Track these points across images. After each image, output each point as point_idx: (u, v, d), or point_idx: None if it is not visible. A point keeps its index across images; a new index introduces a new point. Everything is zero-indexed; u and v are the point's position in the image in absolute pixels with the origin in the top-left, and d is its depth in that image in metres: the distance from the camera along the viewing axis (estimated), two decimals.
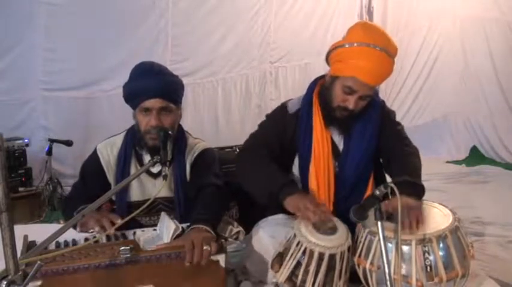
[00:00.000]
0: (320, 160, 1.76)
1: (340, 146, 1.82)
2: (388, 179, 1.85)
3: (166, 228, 1.48)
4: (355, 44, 1.65)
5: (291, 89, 5.13)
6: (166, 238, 1.45)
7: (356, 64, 1.64)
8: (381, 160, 1.89)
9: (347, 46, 1.68)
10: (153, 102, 1.70)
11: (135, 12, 4.26)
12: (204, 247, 1.37)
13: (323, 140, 1.77)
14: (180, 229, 1.49)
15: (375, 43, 1.64)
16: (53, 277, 1.27)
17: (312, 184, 1.77)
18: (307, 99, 1.84)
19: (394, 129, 1.86)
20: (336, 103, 1.72)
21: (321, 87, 1.83)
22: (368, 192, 1.80)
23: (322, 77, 1.87)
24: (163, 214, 1.57)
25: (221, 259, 1.41)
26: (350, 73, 1.65)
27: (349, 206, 1.67)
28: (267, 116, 1.92)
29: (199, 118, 4.74)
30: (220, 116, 4.90)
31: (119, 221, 1.47)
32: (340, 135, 1.82)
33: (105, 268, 1.31)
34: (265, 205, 1.81)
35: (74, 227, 1.59)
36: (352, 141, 1.79)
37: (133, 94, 1.74)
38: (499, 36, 5.30)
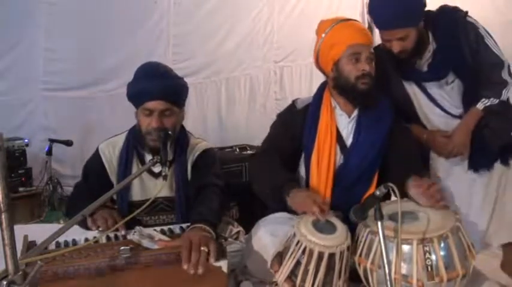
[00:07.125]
0: (321, 148, 1.81)
1: (348, 141, 1.84)
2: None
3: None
4: (337, 23, 1.84)
5: (297, 89, 5.06)
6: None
7: (345, 34, 1.81)
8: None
9: (328, 30, 1.82)
10: (155, 104, 1.70)
11: (136, 12, 4.23)
12: (202, 248, 1.34)
13: (327, 129, 1.82)
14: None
15: (343, 18, 1.88)
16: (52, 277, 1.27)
17: (313, 172, 1.80)
18: (318, 94, 1.92)
19: (407, 142, 1.88)
20: (353, 77, 1.79)
21: (332, 83, 1.87)
22: (371, 190, 1.80)
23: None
24: (138, 228, 1.52)
25: (223, 265, 1.37)
26: (345, 44, 1.79)
27: (348, 200, 1.67)
28: (277, 115, 2.01)
29: (203, 118, 4.68)
30: (224, 116, 4.84)
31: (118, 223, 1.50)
32: (350, 127, 1.85)
33: (105, 269, 1.31)
34: (266, 205, 1.82)
35: (82, 224, 1.60)
36: (361, 134, 1.83)
37: (137, 94, 1.74)
38: (498, 37, 5.28)
